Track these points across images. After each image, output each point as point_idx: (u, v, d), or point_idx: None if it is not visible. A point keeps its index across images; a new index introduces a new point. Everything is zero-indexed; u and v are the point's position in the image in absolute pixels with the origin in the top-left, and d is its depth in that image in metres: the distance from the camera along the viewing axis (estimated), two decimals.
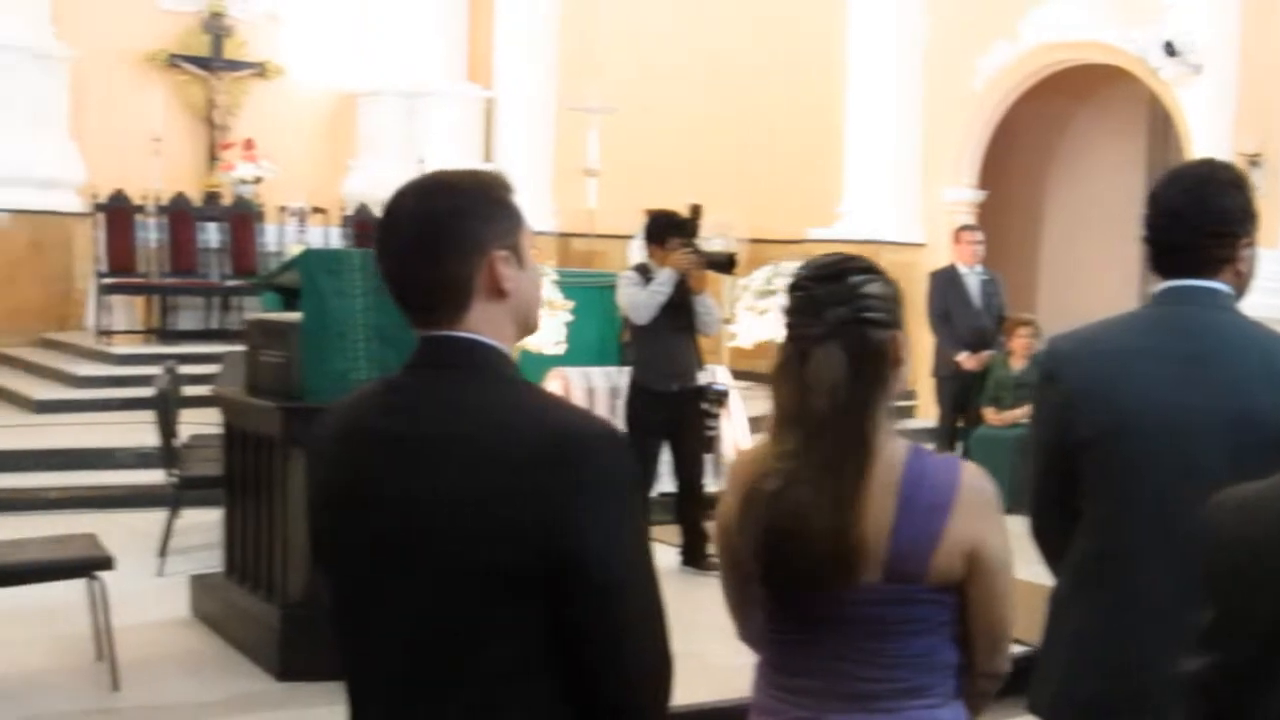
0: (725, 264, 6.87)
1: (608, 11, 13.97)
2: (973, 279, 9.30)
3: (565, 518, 1.67)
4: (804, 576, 2.04)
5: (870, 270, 2.13)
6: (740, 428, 8.44)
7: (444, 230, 1.79)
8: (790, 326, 2.13)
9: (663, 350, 6.69)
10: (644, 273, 6.78)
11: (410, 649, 1.77)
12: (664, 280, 6.59)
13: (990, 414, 8.97)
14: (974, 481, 2.10)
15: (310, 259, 5.28)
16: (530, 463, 1.68)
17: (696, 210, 6.83)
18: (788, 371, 2.10)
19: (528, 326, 1.89)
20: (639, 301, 6.66)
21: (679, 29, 13.92)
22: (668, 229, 6.71)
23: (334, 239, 12.16)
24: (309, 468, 1.97)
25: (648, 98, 13.47)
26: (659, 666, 1.79)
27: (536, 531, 1.67)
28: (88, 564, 4.96)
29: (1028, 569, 2.64)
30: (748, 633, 2.30)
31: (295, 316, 5.16)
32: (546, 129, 13.90)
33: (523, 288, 1.85)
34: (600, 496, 1.71)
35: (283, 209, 12.15)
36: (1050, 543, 2.60)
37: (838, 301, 2.08)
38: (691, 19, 13.94)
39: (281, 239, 12.04)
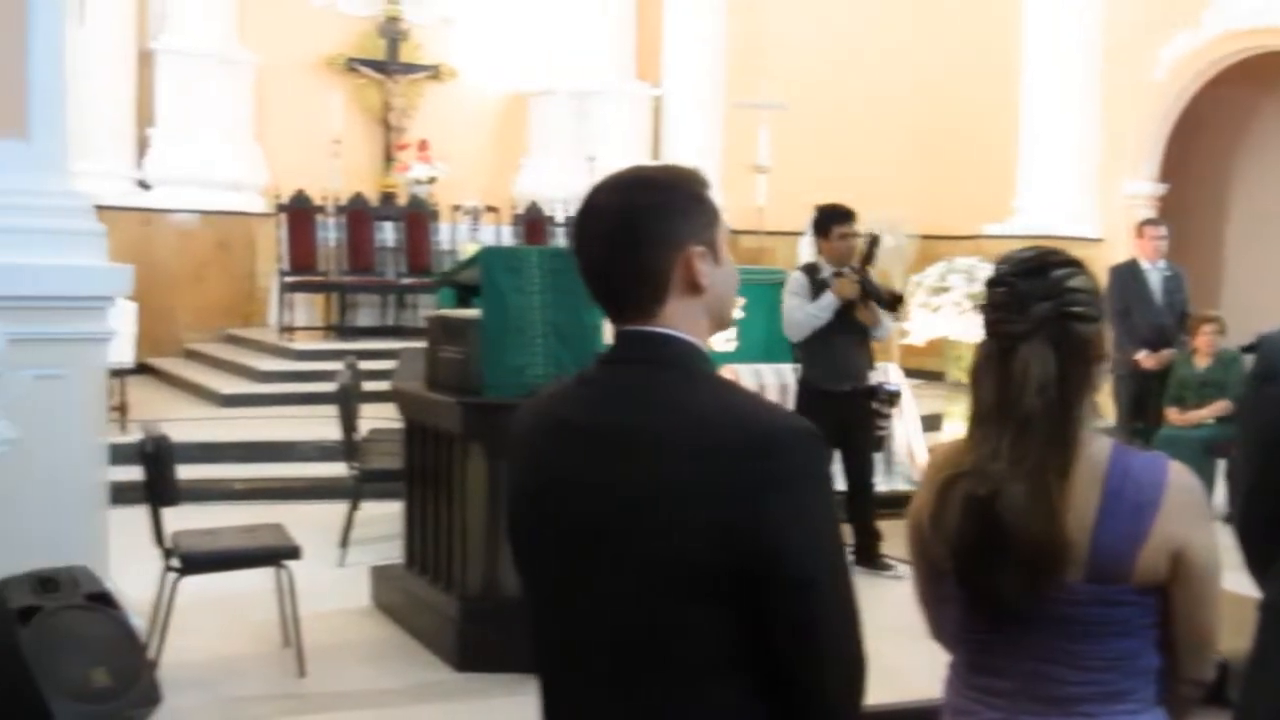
0: (890, 303, 6.71)
1: (776, 7, 13.91)
2: (1155, 275, 9.01)
3: (763, 514, 1.66)
4: (1007, 576, 1.99)
5: (1072, 264, 2.08)
6: (912, 426, 8.32)
7: (642, 225, 1.79)
8: (992, 323, 2.08)
9: (834, 350, 6.61)
10: (811, 273, 6.70)
11: (604, 643, 1.78)
12: (825, 306, 6.52)
13: (1173, 414, 8.67)
14: (1182, 480, 2.03)
15: (490, 256, 5.36)
16: (728, 458, 1.67)
17: (874, 240, 6.70)
18: (989, 368, 2.06)
19: (722, 322, 1.89)
20: (795, 320, 6.62)
21: (850, 24, 13.79)
22: (831, 219, 6.64)
23: (505, 237, 12.33)
24: (507, 460, 1.99)
25: (818, 93, 13.38)
26: (853, 667, 1.76)
27: (734, 528, 1.66)
28: (277, 553, 5.11)
29: (1230, 576, 2.54)
30: (939, 631, 2.25)
31: (475, 313, 5.24)
32: (715, 126, 13.91)
33: (718, 283, 1.84)
34: (798, 493, 1.69)
35: (456, 208, 12.37)
36: (1259, 548, 2.50)
37: (1042, 296, 2.02)
38: (863, 14, 13.79)
39: (454, 238, 12.25)
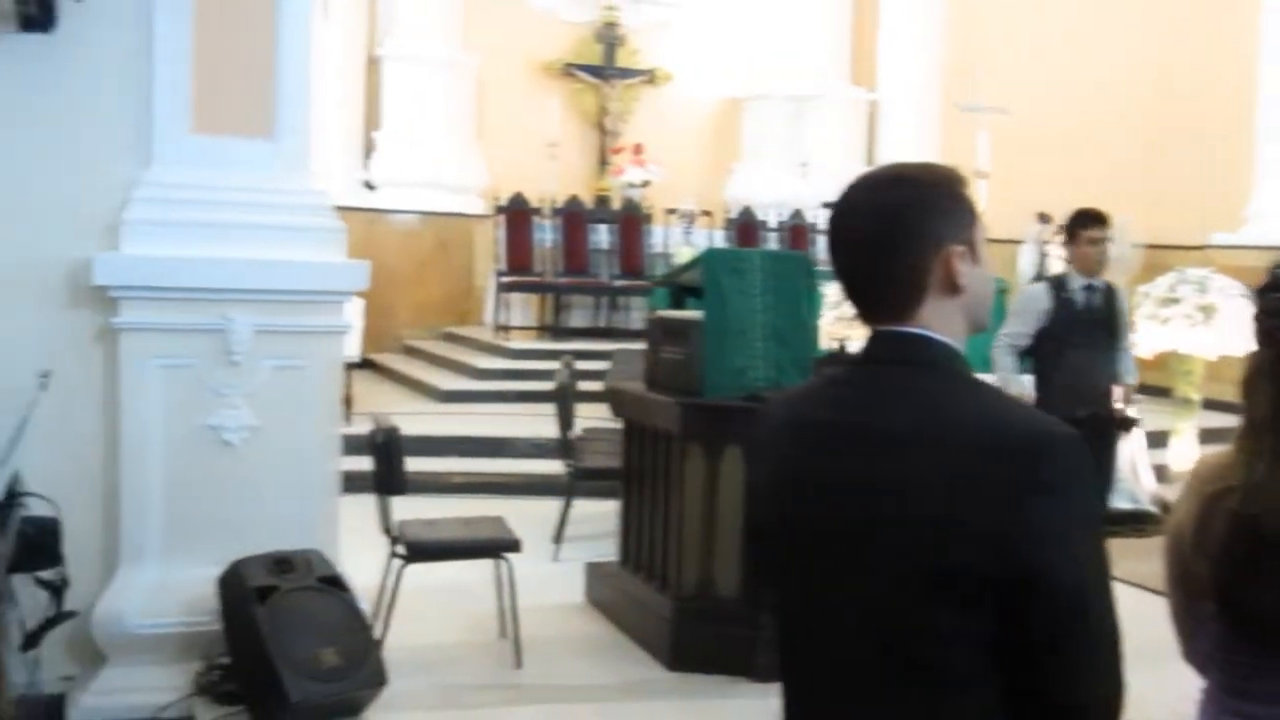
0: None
1: (995, 11, 13.62)
2: None
3: (1027, 522, 1.61)
4: (1276, 597, 1.90)
5: None
6: (1137, 444, 8.02)
7: (901, 224, 1.76)
8: (1270, 330, 1.99)
9: (1072, 366, 5.91)
10: (1059, 287, 6.06)
11: (851, 645, 1.76)
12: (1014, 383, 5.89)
13: None
14: None
15: (713, 258, 5.38)
16: (992, 462, 1.63)
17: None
18: (1265, 378, 1.97)
19: (977, 324, 1.84)
20: (995, 361, 5.95)
21: (1071, 24, 13.41)
22: (1078, 222, 6.08)
23: (717, 241, 12.37)
24: (749, 460, 1.98)
25: (1038, 98, 13.06)
26: (1112, 689, 1.69)
27: (995, 534, 1.62)
28: (498, 545, 5.22)
29: None
30: (1193, 653, 2.17)
31: (696, 314, 5.26)
32: (931, 131, 13.71)
33: (976, 284, 1.80)
34: (1064, 502, 1.64)
35: (670, 212, 12.46)
36: None
37: None
38: (1086, 13, 13.39)
39: (667, 241, 12.34)
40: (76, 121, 4.71)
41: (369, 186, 12.40)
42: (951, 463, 1.66)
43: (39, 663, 3.73)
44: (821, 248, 12.30)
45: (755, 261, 5.21)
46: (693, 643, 5.09)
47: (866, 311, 1.83)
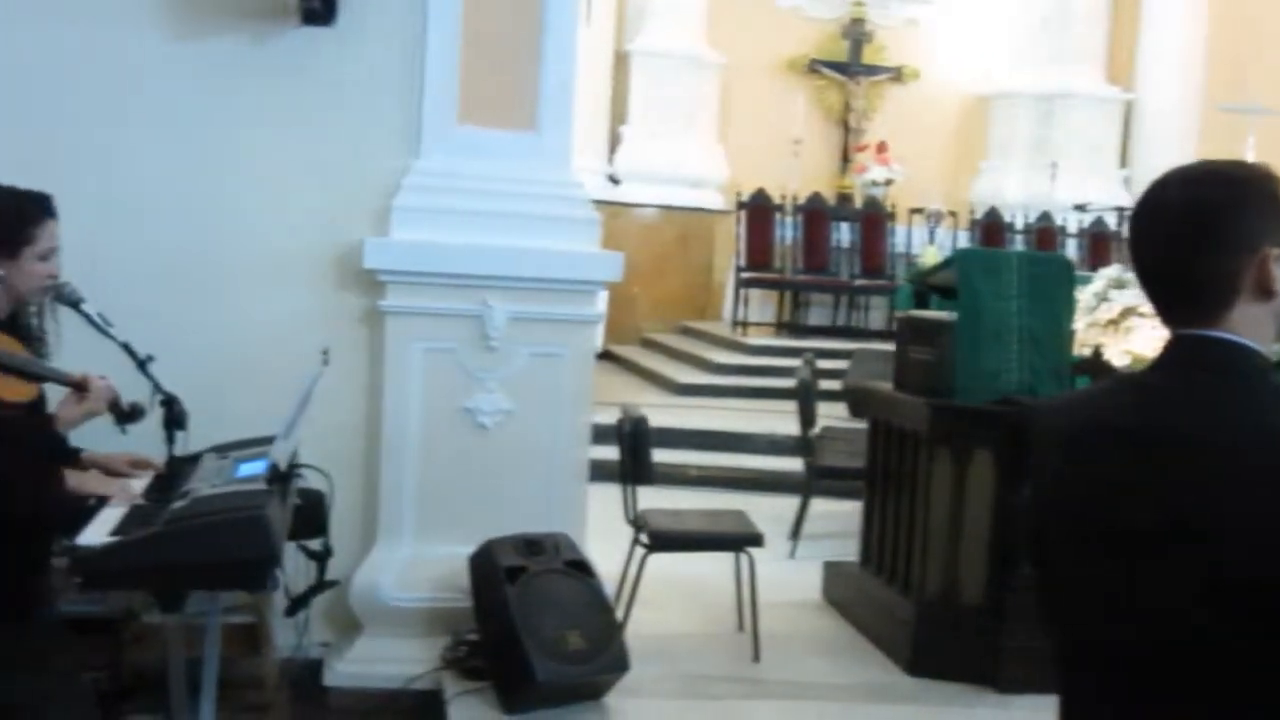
0: None
1: (1266, 8, 12.98)
2: None
3: None
4: None
5: None
6: None
7: (1215, 223, 1.69)
8: None
9: None
10: None
11: (1137, 655, 1.71)
12: None
13: None
14: None
15: (968, 258, 5.29)
16: None
17: None
18: None
19: None
20: None
21: None
22: None
23: (962, 242, 12.13)
24: (1033, 464, 1.93)
25: None
26: None
27: None
28: (741, 539, 5.23)
29: None
30: None
31: (948, 315, 5.17)
32: (1191, 132, 13.15)
33: None
34: None
35: (916, 211, 12.28)
36: None
37: None
38: None
39: (910, 241, 12.18)
40: (352, 112, 4.91)
41: (613, 180, 12.58)
42: (1259, 474, 1.60)
43: (304, 627, 3.90)
44: (1070, 250, 11.95)
45: (1012, 263, 5.08)
46: (934, 648, 5.01)
47: (1169, 313, 1.77)
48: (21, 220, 3.13)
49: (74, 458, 3.33)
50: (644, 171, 12.51)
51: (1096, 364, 5.95)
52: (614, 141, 12.79)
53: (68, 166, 4.26)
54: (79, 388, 3.13)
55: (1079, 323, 7.52)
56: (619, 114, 12.78)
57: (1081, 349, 7.42)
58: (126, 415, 3.28)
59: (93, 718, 3.39)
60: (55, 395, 3.24)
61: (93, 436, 3.45)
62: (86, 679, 3.50)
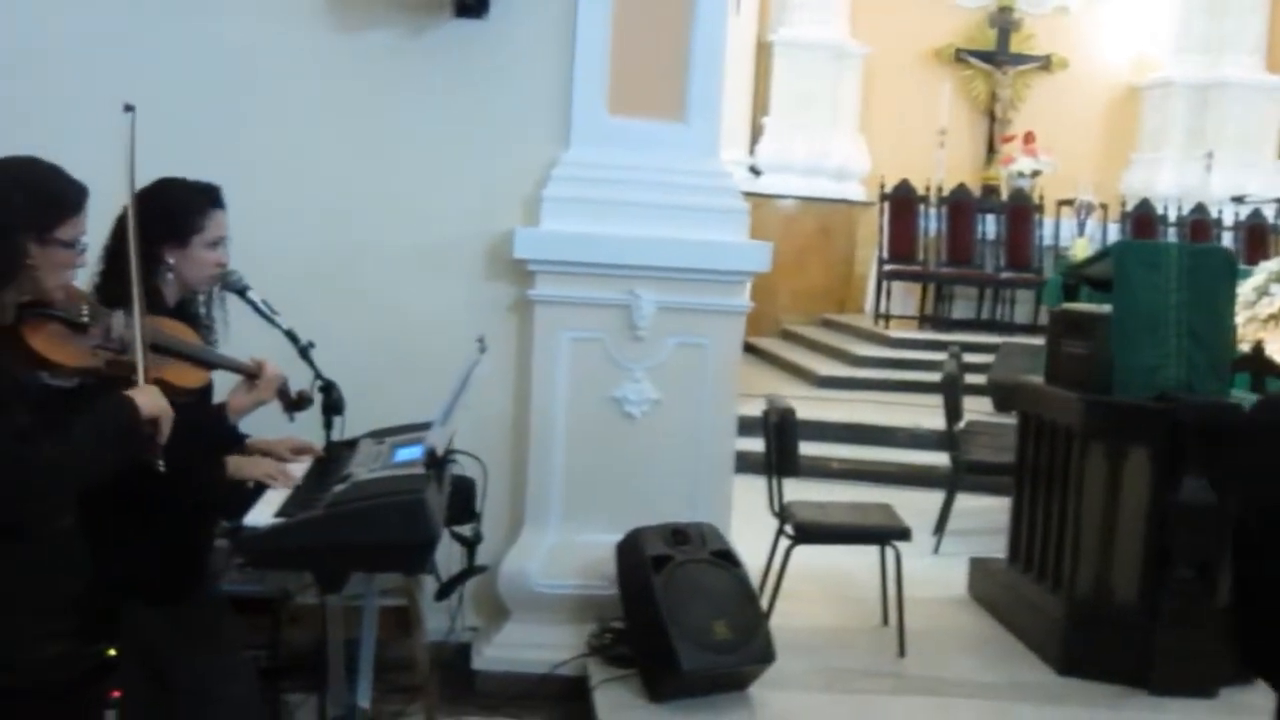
0: None
1: None
2: None
3: None
4: None
5: None
6: None
7: None
8: None
9: None
10: None
11: None
12: None
13: None
14: None
15: (1126, 251, 5.15)
16: None
17: None
18: None
19: None
20: None
21: None
22: None
23: (1112, 234, 11.85)
24: (1254, 459, 1.88)
25: None
26: None
27: None
28: (888, 532, 5.18)
29: None
30: None
31: (1103, 308, 5.06)
32: None
33: None
34: None
35: (1065, 203, 12.02)
36: None
37: None
38: None
39: (1058, 233, 11.93)
40: (504, 104, 4.97)
41: (754, 172, 12.53)
42: None
43: (457, 612, 3.96)
44: (1225, 244, 11.60)
45: (1172, 255, 4.94)
46: (1085, 648, 4.91)
47: None
48: (190, 210, 3.22)
49: (241, 443, 3.42)
50: (785, 163, 12.45)
51: (1258, 360, 5.77)
52: (755, 133, 12.74)
53: (232, 158, 4.38)
54: (251, 375, 3.21)
55: (1239, 317, 7.32)
56: (760, 105, 12.72)
57: (1240, 344, 7.21)
58: (294, 403, 3.36)
59: (257, 695, 3.48)
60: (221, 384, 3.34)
61: (254, 421, 3.54)
62: (249, 657, 3.60)
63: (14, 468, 2.30)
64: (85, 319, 2.66)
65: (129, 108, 2.89)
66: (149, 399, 2.58)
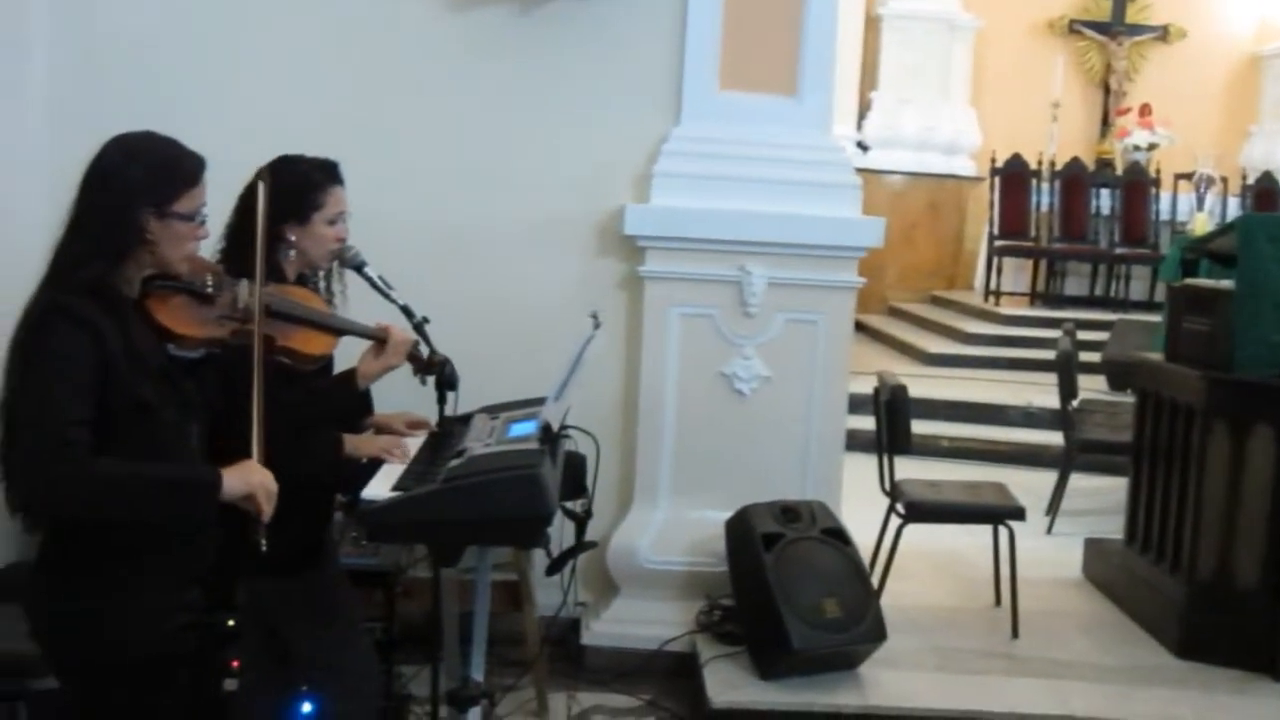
0: None
1: None
2: None
3: None
4: None
5: None
6: None
7: None
8: None
9: None
10: None
11: None
12: None
13: None
14: None
15: (1252, 224, 4.99)
16: None
17: None
18: None
19: None
20: None
21: None
22: None
23: (1232, 209, 11.54)
24: None
25: None
26: None
27: None
28: (1001, 512, 5.11)
29: None
30: None
31: (1226, 284, 4.92)
32: None
33: None
34: None
35: (1183, 176, 11.72)
36: None
37: None
38: None
39: (1174, 208, 11.64)
40: (614, 80, 4.97)
41: (861, 147, 12.39)
42: None
43: (568, 587, 3.97)
44: None
45: None
46: (1206, 632, 4.80)
47: None
48: (310, 187, 3.25)
49: (371, 411, 3.44)
50: (893, 138, 12.28)
51: None
52: (863, 108, 12.59)
53: (349, 135, 4.42)
54: (379, 340, 3.20)
55: None
56: (868, 80, 12.57)
57: None
58: (427, 366, 3.33)
59: (373, 666, 3.53)
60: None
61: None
62: (365, 628, 3.65)
63: (61, 464, 2.29)
64: (210, 289, 2.69)
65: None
66: (239, 479, 2.47)
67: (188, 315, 2.64)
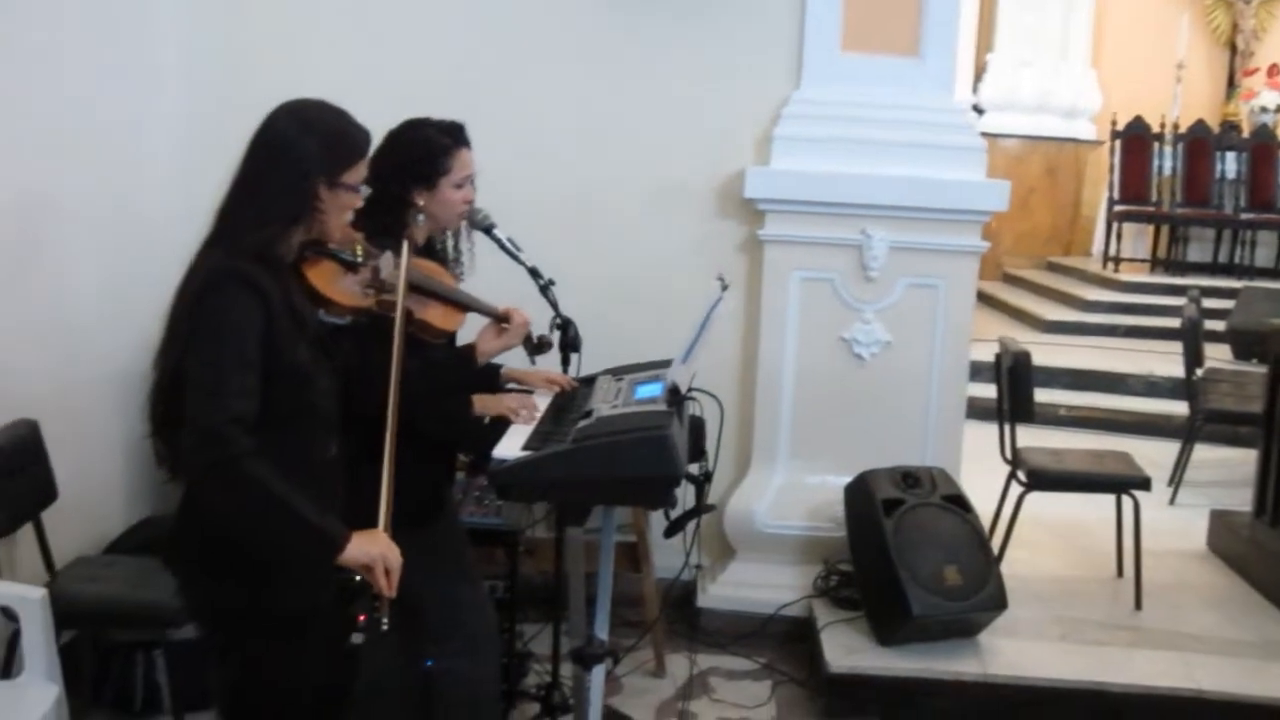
0: None
1: None
2: None
3: None
4: None
5: None
6: None
7: None
8: None
9: None
10: None
11: None
12: None
13: None
14: None
15: None
16: None
17: None
18: None
19: None
20: None
21: None
22: None
23: None
24: None
25: None
26: None
27: None
28: (1126, 482, 5.02)
29: None
30: None
31: None
32: None
33: None
34: None
35: None
36: None
37: None
38: None
39: None
40: (736, 44, 4.94)
41: (977, 110, 12.18)
42: None
43: (690, 549, 3.98)
44: None
45: None
46: None
47: None
48: (436, 151, 3.26)
49: (495, 379, 3.48)
50: (1010, 101, 12.05)
51: None
52: (978, 71, 12.37)
53: (480, 98, 4.46)
54: (501, 320, 3.26)
55: None
56: (984, 42, 12.34)
57: None
58: (537, 347, 3.42)
59: (495, 623, 3.57)
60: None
61: None
62: (487, 586, 3.69)
63: (224, 446, 2.30)
64: (358, 259, 2.73)
65: None
66: (362, 548, 2.43)
67: (337, 283, 2.68)
